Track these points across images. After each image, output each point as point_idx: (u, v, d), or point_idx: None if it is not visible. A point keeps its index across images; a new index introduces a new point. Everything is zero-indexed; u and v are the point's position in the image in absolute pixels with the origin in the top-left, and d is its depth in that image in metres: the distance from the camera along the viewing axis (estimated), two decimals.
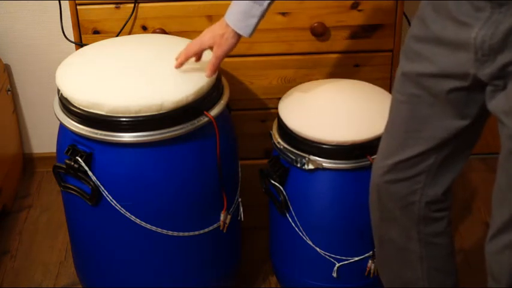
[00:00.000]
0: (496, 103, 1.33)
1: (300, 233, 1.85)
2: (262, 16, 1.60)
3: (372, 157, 1.76)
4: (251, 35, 1.62)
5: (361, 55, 2.04)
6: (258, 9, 1.58)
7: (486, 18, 1.27)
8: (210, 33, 1.65)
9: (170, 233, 1.74)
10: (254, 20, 1.60)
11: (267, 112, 2.09)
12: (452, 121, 1.43)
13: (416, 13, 1.43)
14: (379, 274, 1.73)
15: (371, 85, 1.96)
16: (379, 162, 1.56)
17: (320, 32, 1.98)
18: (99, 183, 1.68)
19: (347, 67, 2.04)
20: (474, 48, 1.30)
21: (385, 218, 1.60)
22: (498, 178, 1.37)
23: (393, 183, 1.53)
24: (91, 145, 1.67)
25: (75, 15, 1.96)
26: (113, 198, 1.69)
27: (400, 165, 1.51)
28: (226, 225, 1.82)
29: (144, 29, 1.99)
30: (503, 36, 1.26)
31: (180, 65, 1.69)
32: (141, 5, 1.96)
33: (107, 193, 1.68)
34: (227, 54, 1.65)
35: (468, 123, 1.43)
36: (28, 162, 2.64)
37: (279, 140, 1.83)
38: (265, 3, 1.58)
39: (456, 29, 1.32)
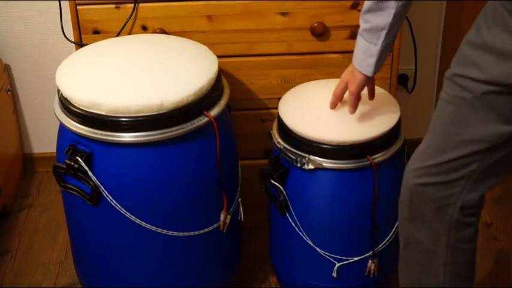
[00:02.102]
0: None
1: (300, 233, 1.85)
2: (380, 56, 1.60)
3: (372, 157, 1.76)
4: (373, 73, 1.63)
5: None
6: (373, 48, 1.58)
7: None
8: (345, 71, 1.71)
9: (170, 233, 1.74)
10: (373, 60, 1.60)
11: (267, 112, 2.10)
12: (496, 126, 1.42)
13: (476, 19, 1.44)
14: (398, 274, 1.71)
15: None
16: (417, 163, 1.54)
17: (320, 32, 1.98)
18: (99, 183, 1.68)
19: (347, 67, 2.04)
20: None
21: (415, 219, 1.58)
22: None
23: (430, 186, 1.52)
24: (91, 145, 1.67)
25: (75, 15, 1.96)
26: (113, 198, 1.69)
27: (439, 168, 1.50)
28: (226, 225, 1.82)
29: (144, 29, 1.99)
30: None
31: (334, 106, 1.80)
32: (141, 5, 1.96)
33: (107, 193, 1.68)
34: (361, 90, 1.69)
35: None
36: (28, 162, 2.64)
37: (279, 140, 1.83)
38: (379, 42, 1.56)
39: (506, 39, 1.32)
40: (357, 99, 1.71)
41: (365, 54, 1.60)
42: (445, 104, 1.48)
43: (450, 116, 1.47)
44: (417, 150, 1.56)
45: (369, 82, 1.70)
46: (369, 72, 1.63)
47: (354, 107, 1.73)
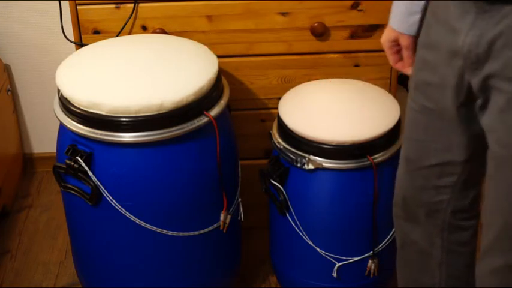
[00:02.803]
0: (483, 120, 1.31)
1: (300, 233, 1.85)
2: (424, 11, 1.49)
3: (372, 157, 1.76)
4: (417, 32, 1.51)
5: (361, 55, 2.03)
6: (418, 4, 1.48)
7: (471, 23, 1.25)
8: (385, 34, 1.56)
9: (170, 233, 1.74)
10: (417, 17, 1.50)
11: (267, 112, 2.09)
12: (463, 137, 1.40)
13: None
14: (396, 274, 1.70)
15: (371, 85, 1.96)
16: (403, 167, 1.54)
17: (320, 32, 1.98)
18: (99, 183, 1.68)
19: (347, 67, 2.04)
20: (463, 56, 1.28)
21: (410, 219, 1.57)
22: (485, 198, 1.35)
23: (419, 190, 1.51)
24: (91, 145, 1.67)
25: (75, 15, 1.96)
26: (113, 198, 1.69)
27: (423, 172, 1.48)
28: (226, 225, 1.82)
29: (144, 29, 1.99)
30: (487, 47, 1.23)
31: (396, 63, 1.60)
32: (141, 5, 1.96)
33: (107, 193, 1.68)
34: (415, 44, 1.55)
35: (477, 142, 1.39)
36: (28, 162, 2.64)
37: (279, 140, 1.83)
38: None
39: (448, 36, 1.31)
40: (414, 53, 1.54)
41: (408, 12, 1.50)
42: (414, 112, 1.47)
43: (420, 124, 1.45)
44: (401, 154, 1.55)
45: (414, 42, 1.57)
46: (413, 31, 1.51)
47: (413, 63, 1.57)
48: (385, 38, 1.56)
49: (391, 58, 1.58)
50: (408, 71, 1.57)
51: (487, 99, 1.29)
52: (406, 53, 1.55)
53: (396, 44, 1.54)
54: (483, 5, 1.23)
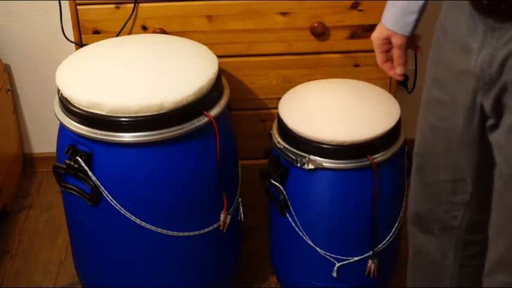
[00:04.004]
0: (492, 137, 1.30)
1: (300, 233, 1.85)
2: (421, 12, 1.47)
3: (372, 157, 1.76)
4: (411, 32, 1.49)
5: (361, 55, 2.04)
6: (415, 4, 1.45)
7: (481, 41, 1.24)
8: (376, 33, 1.54)
9: (170, 233, 1.74)
10: (413, 17, 1.46)
11: (267, 112, 2.10)
12: (472, 156, 1.38)
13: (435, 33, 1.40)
14: (407, 278, 1.69)
15: (371, 85, 1.96)
16: (416, 181, 1.52)
17: (320, 32, 1.98)
18: (99, 183, 1.68)
19: (347, 67, 2.04)
20: (476, 77, 1.26)
21: (424, 230, 1.56)
22: (492, 214, 1.33)
23: (432, 205, 1.49)
24: (91, 145, 1.67)
25: (75, 15, 1.96)
26: (113, 198, 1.69)
27: (436, 187, 1.47)
28: (226, 225, 1.82)
29: (144, 29, 1.99)
30: (500, 66, 1.22)
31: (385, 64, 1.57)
32: (141, 5, 1.96)
33: (107, 193, 1.69)
34: (407, 46, 1.53)
35: (487, 161, 1.37)
36: (28, 162, 2.64)
37: (279, 140, 1.83)
38: None
39: (459, 54, 1.29)
40: (405, 53, 1.54)
41: (404, 11, 1.46)
42: (423, 130, 1.46)
43: (430, 142, 1.44)
44: (412, 168, 1.53)
45: (408, 42, 1.55)
46: (406, 31, 1.48)
47: (404, 64, 1.54)
48: (377, 35, 1.53)
49: (380, 57, 1.55)
50: (395, 72, 1.55)
51: (499, 119, 1.27)
52: (397, 53, 1.52)
53: (387, 42, 1.52)
54: (492, 23, 1.22)
